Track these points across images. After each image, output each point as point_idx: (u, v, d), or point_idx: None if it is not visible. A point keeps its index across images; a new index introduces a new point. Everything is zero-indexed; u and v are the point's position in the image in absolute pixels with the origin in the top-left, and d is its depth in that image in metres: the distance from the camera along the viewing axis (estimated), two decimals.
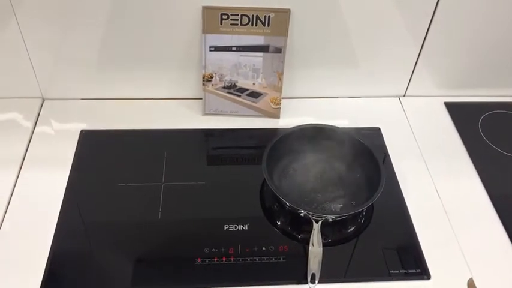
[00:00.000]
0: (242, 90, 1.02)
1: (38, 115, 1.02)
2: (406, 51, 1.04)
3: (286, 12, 0.92)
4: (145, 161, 0.95)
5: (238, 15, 0.92)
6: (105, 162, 0.94)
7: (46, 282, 0.75)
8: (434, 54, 1.05)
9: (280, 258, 0.80)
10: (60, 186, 0.89)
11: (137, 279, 0.77)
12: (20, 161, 0.93)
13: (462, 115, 1.07)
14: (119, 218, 0.86)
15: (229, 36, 0.94)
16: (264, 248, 0.81)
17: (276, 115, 1.04)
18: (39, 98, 1.05)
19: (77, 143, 0.97)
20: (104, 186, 0.90)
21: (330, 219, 0.81)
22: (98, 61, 1.00)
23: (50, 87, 1.04)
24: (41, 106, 1.04)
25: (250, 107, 1.03)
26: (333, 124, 0.94)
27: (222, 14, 0.92)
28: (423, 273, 0.79)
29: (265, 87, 1.01)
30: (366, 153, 0.90)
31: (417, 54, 1.05)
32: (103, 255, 0.80)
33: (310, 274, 0.73)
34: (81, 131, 0.99)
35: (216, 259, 0.79)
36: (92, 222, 0.85)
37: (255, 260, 0.79)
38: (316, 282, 0.72)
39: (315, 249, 0.76)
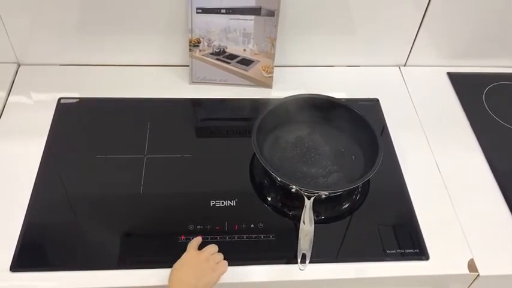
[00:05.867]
0: (232, 56, 0.95)
1: (13, 82, 0.96)
2: (407, 16, 0.98)
3: None
4: (126, 131, 0.90)
5: None
6: (84, 133, 0.89)
7: (19, 255, 0.72)
8: (438, 21, 0.99)
9: (269, 237, 0.75)
10: (35, 157, 0.83)
11: (114, 258, 0.72)
12: None
13: (466, 86, 1.02)
14: (96, 191, 0.81)
15: None
16: (252, 226, 0.76)
17: (268, 84, 0.99)
18: (14, 63, 0.99)
19: (54, 112, 0.91)
20: (81, 158, 0.85)
21: (323, 196, 0.76)
22: (78, 24, 0.94)
23: (26, 52, 0.98)
24: (16, 72, 0.98)
25: (240, 75, 0.97)
26: (328, 94, 0.89)
27: None
28: (421, 253, 0.75)
29: (257, 54, 0.95)
30: (363, 125, 0.85)
31: (420, 21, 0.99)
32: (78, 229, 0.76)
33: (301, 254, 0.68)
34: (59, 99, 0.93)
35: (201, 237, 0.74)
36: (68, 196, 0.80)
37: (243, 238, 0.75)
38: (307, 262, 0.68)
39: (306, 227, 0.71)
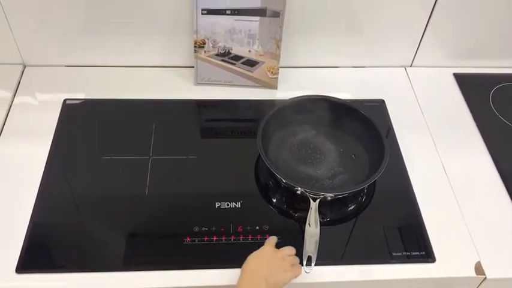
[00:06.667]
0: (237, 58, 0.95)
1: (19, 83, 0.97)
2: (413, 17, 0.97)
3: None
4: (132, 133, 0.90)
5: None
6: (89, 134, 0.89)
7: (25, 256, 0.72)
8: (444, 22, 0.98)
9: None
10: (41, 158, 0.83)
11: (119, 259, 0.72)
12: None
13: (472, 87, 1.01)
14: (102, 193, 0.81)
15: None
16: (257, 227, 0.76)
17: (273, 85, 0.98)
18: (20, 64, 0.99)
19: (60, 113, 0.91)
20: (87, 159, 0.85)
21: (329, 198, 0.76)
22: (83, 25, 0.94)
23: (32, 53, 0.98)
24: (22, 73, 0.98)
25: (245, 76, 0.97)
26: (334, 96, 0.89)
27: None
28: (427, 256, 0.75)
29: (262, 55, 0.94)
30: (369, 127, 0.84)
31: (426, 21, 0.98)
32: (83, 231, 0.76)
33: (306, 256, 0.68)
34: (65, 100, 0.93)
35: (206, 238, 0.74)
36: (73, 197, 0.80)
37: (248, 239, 0.75)
38: (313, 265, 0.68)
39: (312, 229, 0.71)
